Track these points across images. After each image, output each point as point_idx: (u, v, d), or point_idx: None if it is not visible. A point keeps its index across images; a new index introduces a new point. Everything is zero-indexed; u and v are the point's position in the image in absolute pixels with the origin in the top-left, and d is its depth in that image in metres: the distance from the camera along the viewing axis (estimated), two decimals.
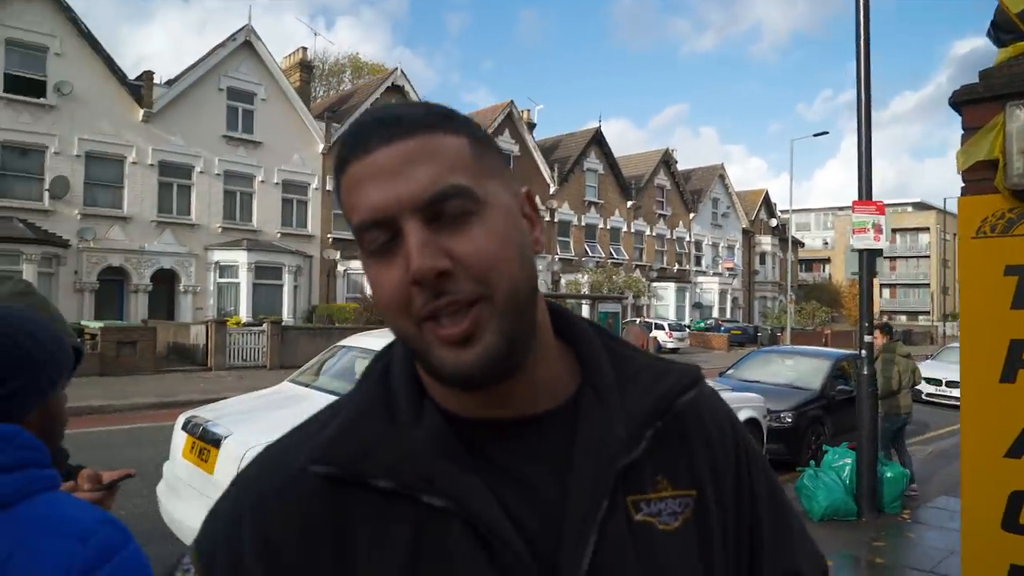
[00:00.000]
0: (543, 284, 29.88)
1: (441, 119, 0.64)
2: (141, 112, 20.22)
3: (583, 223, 33.91)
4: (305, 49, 26.62)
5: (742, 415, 6.85)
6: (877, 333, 7.23)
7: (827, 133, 30.98)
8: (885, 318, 66.02)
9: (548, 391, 0.70)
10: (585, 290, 29.54)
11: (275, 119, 23.13)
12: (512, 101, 30.79)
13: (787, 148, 67.00)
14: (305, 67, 26.01)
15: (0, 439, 0.96)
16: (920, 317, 63.31)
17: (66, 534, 0.93)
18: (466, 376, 0.61)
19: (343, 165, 0.64)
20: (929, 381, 13.32)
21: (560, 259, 32.37)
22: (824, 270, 63.74)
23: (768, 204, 46.80)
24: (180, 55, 77.32)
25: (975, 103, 2.20)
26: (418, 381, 0.70)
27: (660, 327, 30.47)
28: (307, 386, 5.15)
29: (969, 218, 2.19)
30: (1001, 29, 2.21)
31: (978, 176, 2.19)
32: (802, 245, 55.10)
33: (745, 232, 44.19)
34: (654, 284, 36.56)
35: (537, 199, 0.70)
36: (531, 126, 32.52)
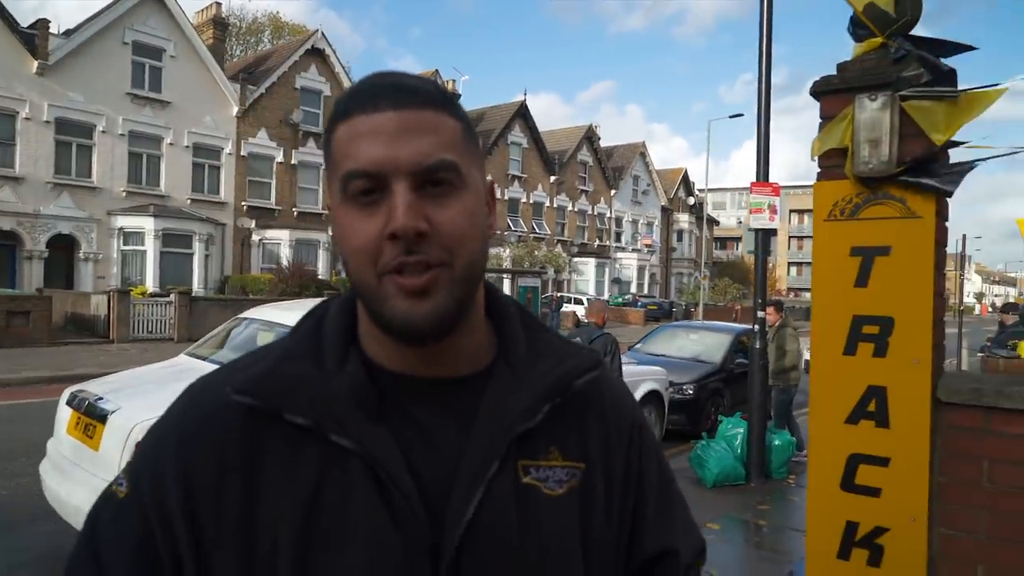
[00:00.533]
0: None
1: (447, 101, 0.71)
2: (35, 64, 18.85)
3: (506, 197, 33.96)
4: (219, 4, 25.31)
5: (644, 387, 7.12)
6: (771, 310, 7.68)
7: (742, 115, 32.15)
8: (792, 295, 69.37)
9: (470, 358, 0.77)
10: (507, 264, 29.70)
11: (186, 78, 22.00)
12: (437, 71, 30.37)
13: (705, 129, 68.82)
14: (219, 24, 24.78)
15: None
16: None
17: None
18: (415, 327, 0.68)
19: (345, 114, 0.69)
20: None
21: None
22: (737, 248, 66.29)
23: (687, 183, 48.10)
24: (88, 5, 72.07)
25: (832, 94, 2.34)
26: (348, 333, 0.76)
27: (579, 302, 31.03)
28: (204, 359, 5.01)
29: (822, 202, 2.34)
30: (857, 25, 2.35)
31: (832, 163, 2.34)
32: (717, 223, 57.05)
33: (664, 210, 45.33)
34: (575, 259, 37.13)
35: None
36: (456, 96, 32.12)
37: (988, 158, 2.16)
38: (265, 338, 5.22)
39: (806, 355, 6.70)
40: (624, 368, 7.16)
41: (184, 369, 4.88)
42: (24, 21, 19.63)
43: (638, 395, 7.04)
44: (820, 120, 2.37)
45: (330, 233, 25.24)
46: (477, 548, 0.69)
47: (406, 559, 0.67)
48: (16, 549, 4.51)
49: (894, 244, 2.22)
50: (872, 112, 2.21)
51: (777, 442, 6.79)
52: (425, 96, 0.69)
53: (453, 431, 0.73)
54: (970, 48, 2.10)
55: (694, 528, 0.91)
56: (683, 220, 46.84)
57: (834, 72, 2.39)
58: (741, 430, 6.67)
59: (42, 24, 19.28)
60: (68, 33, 19.90)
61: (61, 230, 19.53)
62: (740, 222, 67.24)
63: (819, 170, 2.38)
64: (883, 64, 2.25)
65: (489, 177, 0.77)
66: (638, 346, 10.53)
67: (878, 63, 2.26)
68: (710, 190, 53.16)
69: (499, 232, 32.95)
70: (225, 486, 0.68)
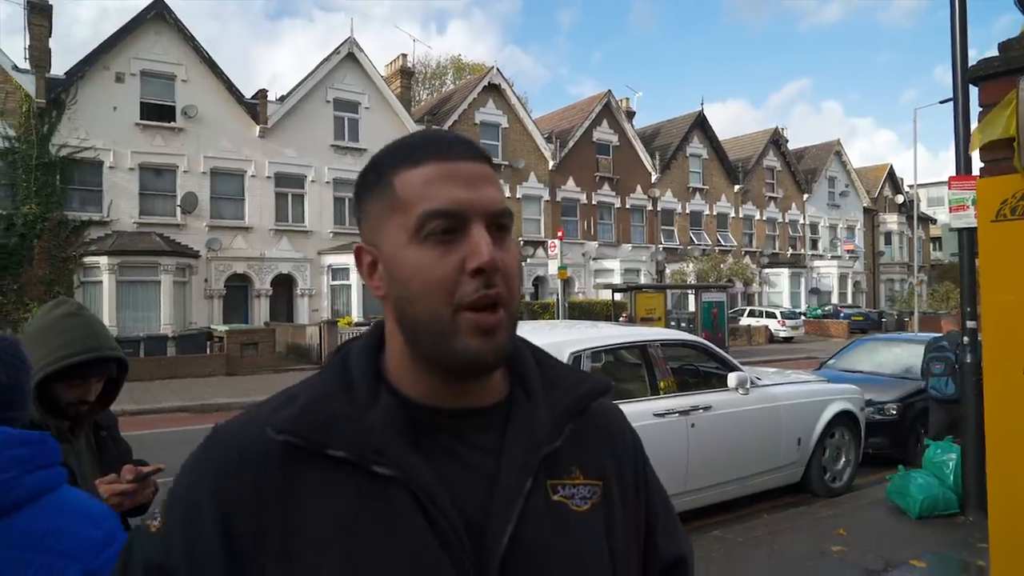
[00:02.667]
0: (646, 275, 29.43)
1: (489, 159, 0.80)
2: (257, 128, 21.70)
3: (687, 211, 33.06)
4: (405, 56, 27.53)
5: (833, 408, 6.55)
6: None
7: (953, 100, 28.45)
8: None
9: (494, 389, 0.83)
10: (691, 279, 28.82)
11: (378, 126, 24.12)
12: (610, 91, 30.49)
13: (919, 118, 62.12)
14: (406, 73, 26.91)
15: (34, 442, 1.15)
16: None
17: (85, 519, 1.14)
18: (483, 363, 0.74)
19: (417, 161, 0.75)
20: None
21: (664, 248, 31.74)
22: None
23: (893, 179, 43.72)
24: (305, 72, 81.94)
25: (992, 78, 2.07)
26: (375, 369, 0.81)
27: (772, 315, 29.24)
28: None
29: (988, 201, 2.06)
30: None
31: (996, 156, 2.05)
32: (934, 222, 50.98)
33: (867, 211, 41.50)
34: (766, 270, 35.12)
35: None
36: (630, 114, 32.06)
37: None
38: None
39: None
40: (808, 386, 6.65)
41: None
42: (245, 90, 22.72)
43: (827, 416, 6.48)
44: (980, 109, 2.11)
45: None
46: (519, 564, 0.73)
47: None
48: None
49: None
50: None
51: None
52: (481, 152, 0.79)
53: (484, 456, 0.78)
54: None
55: (687, 538, 1.00)
56: (891, 221, 42.50)
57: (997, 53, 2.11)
58: (953, 456, 5.89)
59: (261, 94, 22.22)
60: (282, 99, 22.71)
61: (282, 270, 22.17)
62: None
63: (981, 165, 2.11)
64: None
65: None
66: (831, 362, 9.71)
67: None
68: (921, 185, 47.71)
69: (683, 247, 32.14)
70: (264, 521, 0.72)
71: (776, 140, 37.11)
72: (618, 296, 22.67)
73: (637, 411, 5.14)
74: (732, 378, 5.77)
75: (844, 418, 6.69)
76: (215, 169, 21.19)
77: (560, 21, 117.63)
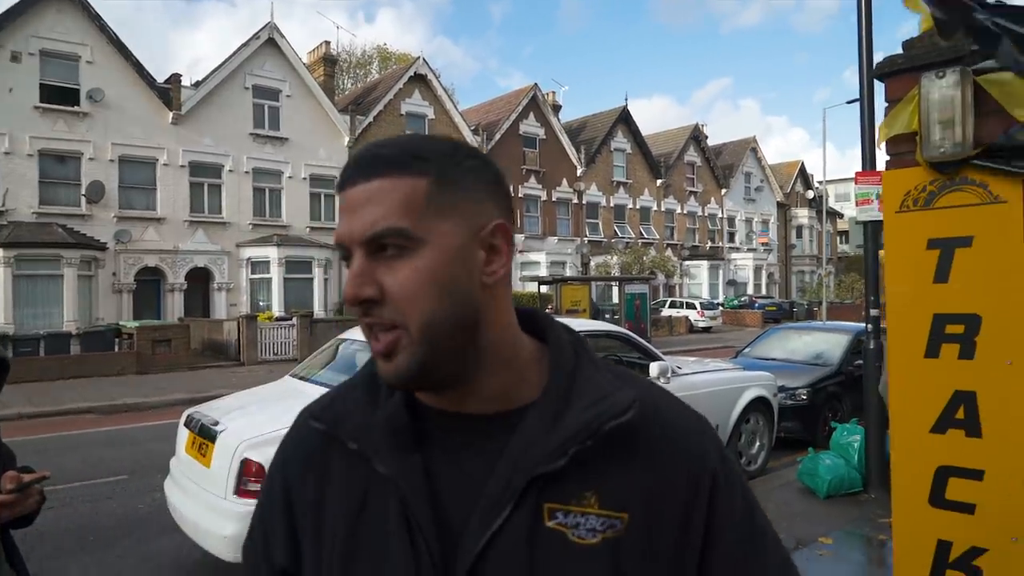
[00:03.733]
0: (572, 267, 29.80)
1: (411, 158, 0.73)
2: (170, 115, 20.70)
3: (612, 204, 33.63)
4: (328, 43, 26.83)
5: (749, 394, 6.80)
6: None
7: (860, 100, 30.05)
8: None
9: (498, 398, 0.78)
10: (615, 272, 29.37)
11: (301, 114, 23.45)
12: (536, 84, 30.63)
13: (828, 117, 65.44)
14: (329, 61, 26.24)
15: None
16: None
17: None
18: (387, 382, 0.76)
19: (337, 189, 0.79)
20: None
21: (589, 241, 32.21)
22: None
23: (804, 176, 45.73)
24: (224, 57, 78.52)
25: (897, 75, 2.16)
26: None
27: (691, 306, 30.15)
28: (306, 380, 5.28)
29: (892, 192, 2.16)
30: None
31: (901, 149, 2.15)
32: (841, 216, 53.75)
33: (780, 205, 43.30)
34: (686, 263, 36.16)
35: (510, 234, 0.77)
36: (556, 108, 32.29)
37: None
38: (363, 358, 5.44)
39: None
40: (725, 374, 6.88)
41: (287, 390, 5.17)
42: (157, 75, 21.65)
43: (742, 402, 6.72)
44: (886, 104, 2.19)
45: None
46: None
47: None
48: (148, 558, 4.94)
49: (976, 234, 2.01)
50: (942, 90, 2.02)
51: None
52: (383, 162, 0.73)
53: (482, 466, 0.75)
54: None
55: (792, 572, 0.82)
56: (802, 215, 44.50)
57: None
58: (858, 437, 6.22)
59: (175, 78, 21.20)
60: (197, 84, 21.74)
61: (197, 263, 21.27)
62: None
63: (887, 158, 2.20)
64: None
65: (498, 220, 0.75)
66: (746, 351, 10.08)
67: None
68: (830, 181, 50.22)
69: (607, 240, 32.71)
70: (309, 496, 0.81)
71: (696, 136, 38.20)
72: (544, 288, 22.88)
73: None
74: (654, 368, 5.89)
75: (759, 404, 6.95)
76: (124, 157, 20.09)
77: (492, 14, 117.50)
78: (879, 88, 2.23)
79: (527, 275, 27.80)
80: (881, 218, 6.33)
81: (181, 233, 21.04)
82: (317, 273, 22.65)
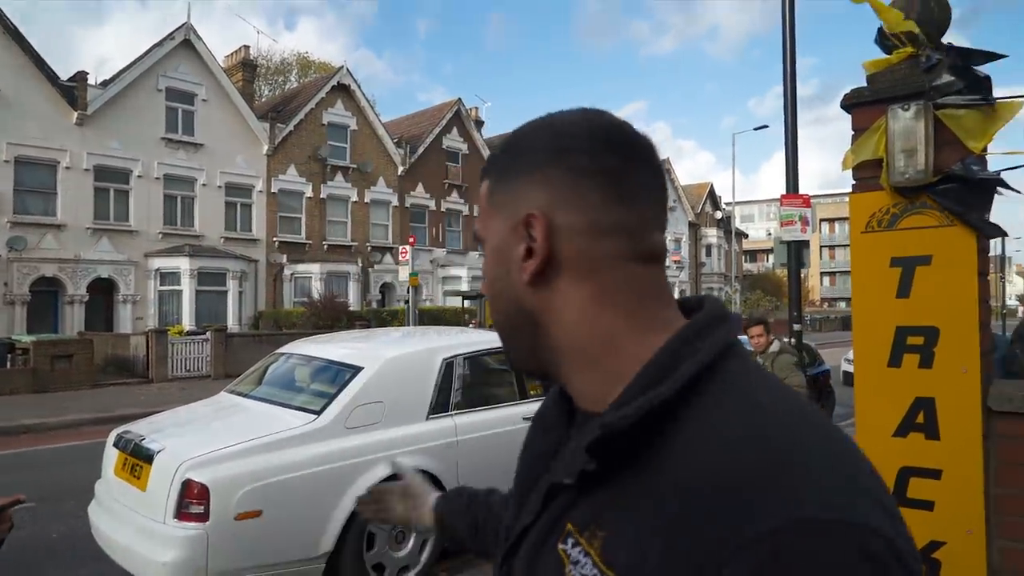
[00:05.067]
0: None
1: (488, 162, 0.76)
2: (75, 115, 19.53)
3: None
4: (247, 47, 26.09)
5: None
6: (756, 330, 5.96)
7: (767, 127, 32.06)
8: (825, 305, 67.92)
9: (592, 398, 0.69)
10: None
11: (217, 120, 22.62)
12: (460, 99, 30.74)
13: (735, 142, 68.49)
14: (248, 66, 25.50)
15: None
16: None
17: None
18: None
19: None
20: None
21: None
22: (768, 260, 65.49)
23: (713, 197, 47.80)
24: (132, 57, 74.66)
25: (863, 105, 2.34)
26: None
27: None
28: (245, 395, 5.09)
29: (859, 214, 2.33)
30: (887, 37, 2.35)
31: (866, 174, 2.33)
32: (746, 236, 56.49)
33: (692, 225, 45.06)
34: None
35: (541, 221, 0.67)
36: (480, 124, 32.51)
37: (1016, 167, 2.15)
38: (303, 372, 5.29)
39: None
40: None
41: (226, 407, 4.96)
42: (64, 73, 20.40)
43: None
44: (852, 132, 2.37)
45: (359, 264, 25.56)
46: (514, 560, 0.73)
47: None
48: None
49: (934, 253, 2.20)
50: (906, 122, 2.21)
51: None
52: (486, 170, 0.76)
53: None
54: (1000, 56, 2.09)
55: None
56: (711, 235, 46.47)
57: (864, 84, 2.40)
58: None
59: (80, 76, 20.03)
60: (105, 84, 20.62)
61: (101, 274, 20.06)
62: (770, 234, 66.52)
63: (854, 182, 2.37)
64: (914, 74, 2.24)
65: (528, 212, 0.68)
66: None
67: (909, 73, 2.26)
68: (737, 203, 52.70)
69: None
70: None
71: None
72: (467, 303, 22.88)
73: (506, 415, 5.22)
74: None
75: None
76: (20, 158, 18.76)
77: (418, 29, 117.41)
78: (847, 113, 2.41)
79: (449, 290, 27.74)
80: (804, 238, 6.78)
81: (83, 241, 19.81)
82: (232, 285, 21.83)
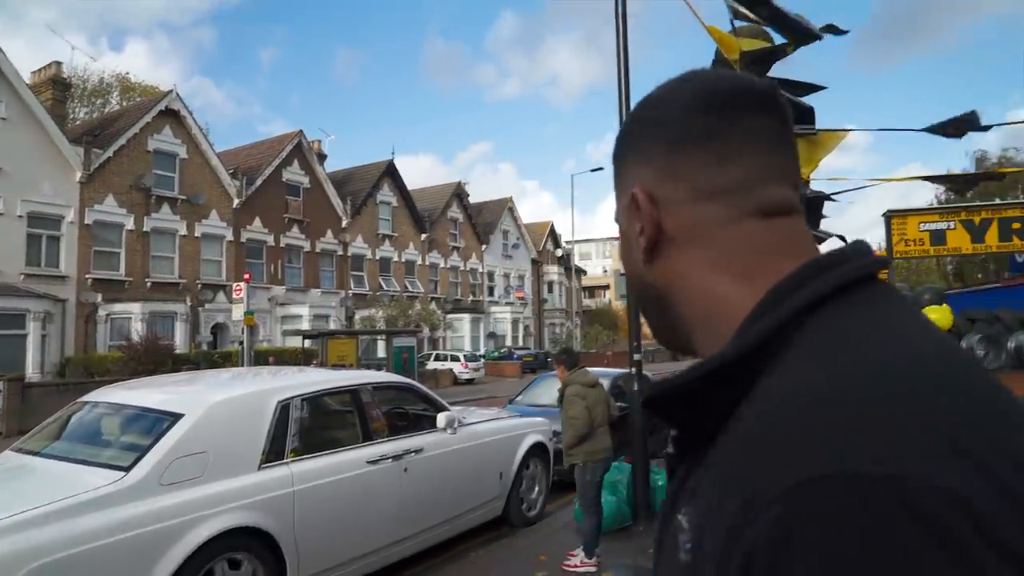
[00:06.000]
0: (336, 321, 28.94)
1: (617, 145, 0.74)
2: None
3: (377, 256, 33.53)
4: (59, 63, 23.66)
5: (529, 440, 7.05)
6: (560, 367, 5.96)
7: (602, 169, 33.79)
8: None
9: None
10: (380, 325, 29.09)
11: (20, 142, 20.19)
12: (302, 131, 29.84)
13: (574, 183, 72.09)
14: (59, 84, 23.12)
15: None
16: None
17: None
18: None
19: None
20: None
21: (354, 294, 31.64)
22: (604, 296, 68.89)
23: (554, 235, 49.73)
24: None
25: None
26: None
27: (456, 359, 30.81)
28: (35, 454, 4.39)
29: None
30: (720, 63, 2.47)
31: None
32: (585, 273, 59.15)
33: (534, 262, 46.49)
34: (449, 316, 37.05)
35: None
36: (322, 157, 31.64)
37: (843, 191, 2.32)
38: (111, 423, 4.68)
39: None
40: (507, 422, 7.07)
41: (8, 468, 4.24)
42: None
43: (523, 448, 6.94)
44: None
45: (188, 303, 23.67)
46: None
47: None
48: None
49: None
50: None
51: (660, 483, 6.90)
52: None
53: None
54: (820, 88, 2.26)
55: None
56: (552, 272, 48.19)
57: None
58: (626, 473, 6.72)
59: None
60: None
61: None
62: (606, 271, 70.18)
63: None
64: None
65: (635, 188, 0.67)
66: (519, 398, 10.50)
67: None
68: (577, 241, 55.16)
69: (372, 293, 32.37)
70: None
71: (459, 193, 39.83)
72: (308, 343, 21.86)
73: (350, 460, 4.93)
74: (441, 418, 5.86)
75: (537, 449, 7.23)
76: None
77: (262, 60, 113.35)
78: None
79: (289, 329, 26.41)
80: None
81: None
82: (33, 328, 19.38)
